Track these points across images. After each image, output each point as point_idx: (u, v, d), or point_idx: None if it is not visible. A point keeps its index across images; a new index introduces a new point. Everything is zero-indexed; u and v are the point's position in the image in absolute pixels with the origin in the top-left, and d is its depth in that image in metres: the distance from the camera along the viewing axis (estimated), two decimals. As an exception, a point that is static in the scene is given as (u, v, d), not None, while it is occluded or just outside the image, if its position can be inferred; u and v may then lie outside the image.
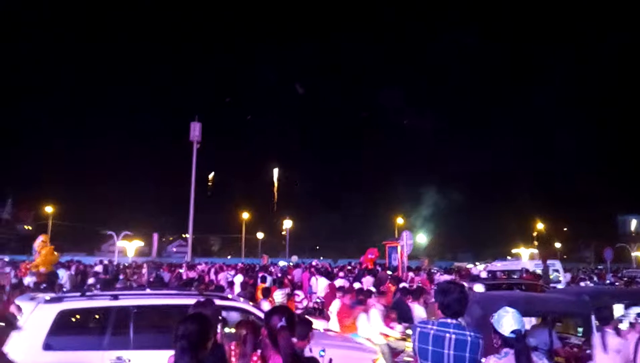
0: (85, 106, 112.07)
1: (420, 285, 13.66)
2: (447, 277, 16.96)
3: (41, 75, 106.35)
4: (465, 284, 12.01)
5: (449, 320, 3.18)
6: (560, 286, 16.25)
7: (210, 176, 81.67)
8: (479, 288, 9.83)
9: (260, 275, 16.49)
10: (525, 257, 31.74)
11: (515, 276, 18.00)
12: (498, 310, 3.20)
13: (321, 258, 51.16)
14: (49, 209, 54.87)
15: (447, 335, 3.11)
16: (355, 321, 7.92)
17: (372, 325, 7.77)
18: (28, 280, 14.84)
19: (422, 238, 38.18)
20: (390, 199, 63.28)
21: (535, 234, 64.49)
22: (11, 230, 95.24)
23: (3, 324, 7.46)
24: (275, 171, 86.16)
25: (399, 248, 19.96)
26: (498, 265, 23.44)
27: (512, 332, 3.01)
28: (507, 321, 3.06)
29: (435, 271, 21.88)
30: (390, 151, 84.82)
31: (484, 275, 19.50)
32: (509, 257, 41.03)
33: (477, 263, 37.04)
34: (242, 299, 7.41)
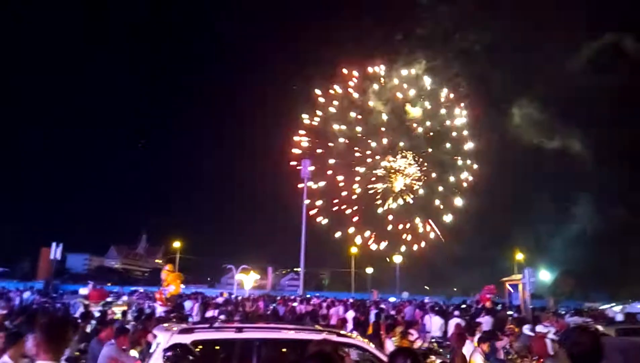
0: (204, 151, 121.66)
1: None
2: (577, 319, 15.39)
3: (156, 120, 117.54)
4: (600, 328, 10.85)
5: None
6: None
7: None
8: None
9: (373, 311, 16.36)
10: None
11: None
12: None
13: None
14: (176, 244, 59.97)
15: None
16: None
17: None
18: (159, 310, 16.36)
19: (545, 275, 35.26)
20: (509, 232, 59.21)
21: (685, 270, 55.96)
22: (145, 263, 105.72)
23: (139, 349, 8.27)
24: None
25: (520, 286, 18.65)
26: (639, 307, 20.89)
27: None
28: None
29: (564, 311, 19.94)
30: (509, 173, 76.70)
31: (619, 318, 17.45)
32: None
33: (613, 304, 33.06)
34: (355, 334, 7.43)
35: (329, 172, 57.76)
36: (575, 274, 53.15)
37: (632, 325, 13.51)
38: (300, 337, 5.62)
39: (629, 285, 52.11)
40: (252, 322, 11.31)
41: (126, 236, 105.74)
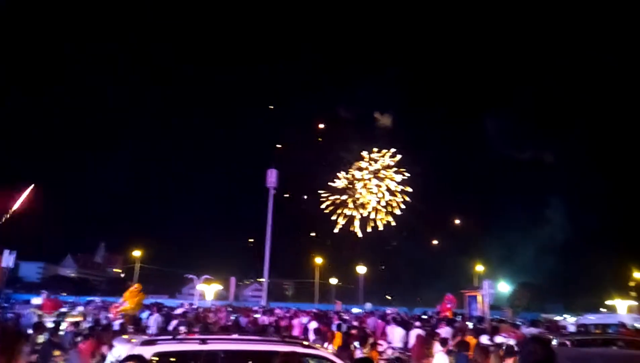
0: (168, 162, 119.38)
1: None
2: (533, 330, 15.88)
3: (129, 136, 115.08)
4: (554, 339, 11.24)
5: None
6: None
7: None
8: None
9: (336, 322, 16.39)
10: (621, 310, 29.04)
11: (611, 331, 16.55)
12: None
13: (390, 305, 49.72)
14: (136, 253, 58.33)
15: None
16: None
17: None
18: (117, 323, 15.88)
19: (504, 287, 36.27)
20: (469, 245, 60.71)
21: (633, 284, 58.51)
22: (103, 272, 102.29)
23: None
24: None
25: (479, 297, 19.10)
26: (591, 318, 21.73)
27: None
28: None
29: (520, 323, 20.53)
30: (468, 190, 77.68)
31: (572, 328, 18.14)
32: (602, 309, 37.62)
33: (566, 316, 34.32)
34: (319, 346, 7.45)
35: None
36: (533, 286, 54.90)
37: (584, 336, 14.07)
38: (265, 348, 5.60)
39: (583, 297, 54.27)
40: (213, 333, 11.15)
41: (84, 244, 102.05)
